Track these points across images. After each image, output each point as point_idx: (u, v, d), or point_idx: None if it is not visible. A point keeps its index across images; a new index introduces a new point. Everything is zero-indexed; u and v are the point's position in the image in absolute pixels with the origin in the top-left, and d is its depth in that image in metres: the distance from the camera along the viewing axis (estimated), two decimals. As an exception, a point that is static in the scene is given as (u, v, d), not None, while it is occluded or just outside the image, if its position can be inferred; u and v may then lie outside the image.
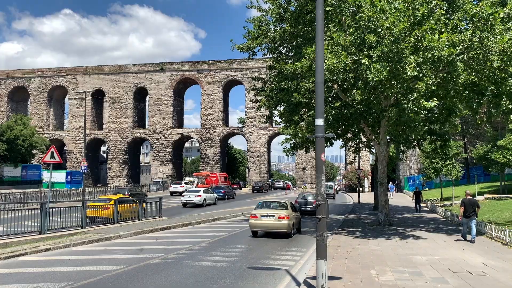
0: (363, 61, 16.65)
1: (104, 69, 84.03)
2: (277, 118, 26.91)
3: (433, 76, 17.15)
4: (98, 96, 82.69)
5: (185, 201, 37.69)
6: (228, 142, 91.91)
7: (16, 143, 61.31)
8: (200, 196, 37.73)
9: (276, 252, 15.33)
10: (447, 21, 17.88)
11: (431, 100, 17.34)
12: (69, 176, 66.00)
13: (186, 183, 58.01)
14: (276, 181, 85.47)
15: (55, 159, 19.01)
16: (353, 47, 17.51)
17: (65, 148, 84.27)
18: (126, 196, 29.58)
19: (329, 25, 19.11)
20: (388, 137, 23.09)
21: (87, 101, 75.39)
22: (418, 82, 16.95)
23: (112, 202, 22.89)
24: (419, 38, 16.52)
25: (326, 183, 10.32)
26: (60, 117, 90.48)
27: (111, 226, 21.02)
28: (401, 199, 50.30)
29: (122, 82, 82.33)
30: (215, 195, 42.40)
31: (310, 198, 29.56)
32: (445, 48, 16.07)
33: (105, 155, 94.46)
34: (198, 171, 78.79)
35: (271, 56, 25.96)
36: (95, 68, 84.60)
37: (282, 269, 12.34)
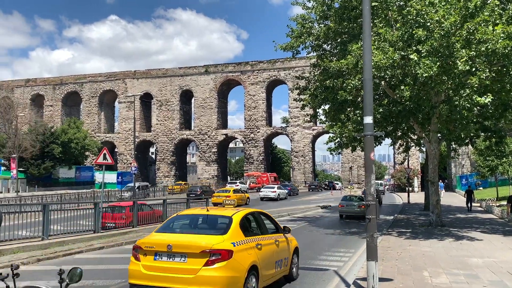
0: (411, 56, 16.11)
1: (151, 73, 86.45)
2: (322, 117, 26.56)
3: (487, 70, 16.35)
4: (146, 99, 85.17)
5: (262, 195, 45.46)
6: (272, 142, 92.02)
7: (70, 146, 64.40)
8: (275, 191, 45.67)
9: (324, 253, 15.15)
10: (501, 11, 16.99)
11: (484, 96, 16.49)
12: (120, 177, 68.33)
13: (241, 182, 65.07)
14: (330, 182, 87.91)
15: (107, 160, 19.70)
16: (400, 43, 16.97)
17: (116, 150, 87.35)
18: (237, 188, 44.55)
19: (375, 21, 18.64)
20: (439, 135, 22.25)
21: (136, 104, 77.64)
22: (470, 77, 16.20)
23: (231, 192, 39.06)
24: (471, 31, 15.79)
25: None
26: (110, 120, 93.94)
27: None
28: (453, 198, 48.40)
29: (169, 85, 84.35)
30: (286, 191, 50.20)
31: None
32: (500, 40, 15.28)
33: (153, 156, 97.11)
34: (245, 171, 79.89)
35: (314, 54, 25.62)
36: (142, 72, 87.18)
37: (331, 270, 12.18)
